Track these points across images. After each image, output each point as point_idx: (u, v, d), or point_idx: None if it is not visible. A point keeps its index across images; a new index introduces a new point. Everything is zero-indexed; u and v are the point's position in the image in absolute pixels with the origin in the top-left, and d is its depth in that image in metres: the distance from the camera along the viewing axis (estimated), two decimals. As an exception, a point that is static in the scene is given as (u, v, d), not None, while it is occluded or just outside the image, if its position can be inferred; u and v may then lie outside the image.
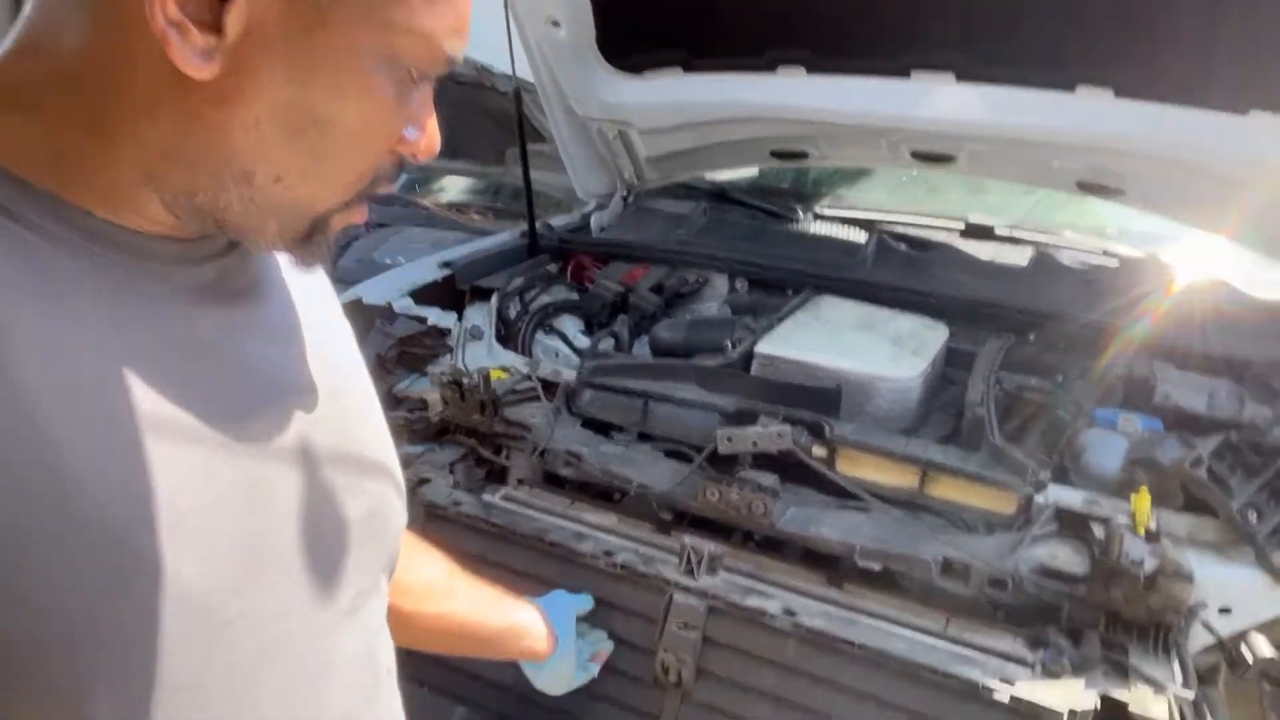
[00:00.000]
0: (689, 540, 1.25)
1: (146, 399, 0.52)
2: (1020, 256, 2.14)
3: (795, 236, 2.38)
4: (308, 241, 0.58)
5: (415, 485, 1.48)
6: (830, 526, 1.31)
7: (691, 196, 2.67)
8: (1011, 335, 1.81)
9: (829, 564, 1.40)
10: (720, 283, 2.25)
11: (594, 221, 2.58)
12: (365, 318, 1.95)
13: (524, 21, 2.18)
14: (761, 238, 2.34)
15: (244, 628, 0.56)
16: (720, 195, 2.59)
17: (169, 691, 0.53)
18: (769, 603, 1.19)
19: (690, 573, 1.23)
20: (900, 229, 2.27)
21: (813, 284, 2.03)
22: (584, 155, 2.59)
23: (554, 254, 2.37)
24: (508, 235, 2.46)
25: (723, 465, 1.41)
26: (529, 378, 1.64)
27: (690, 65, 2.21)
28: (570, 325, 2.19)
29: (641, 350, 1.98)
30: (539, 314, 2.16)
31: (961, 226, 2.26)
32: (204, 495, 0.54)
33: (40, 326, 0.49)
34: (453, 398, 1.58)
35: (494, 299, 2.07)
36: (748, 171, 2.86)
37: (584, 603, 1.23)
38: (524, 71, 2.28)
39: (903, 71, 1.97)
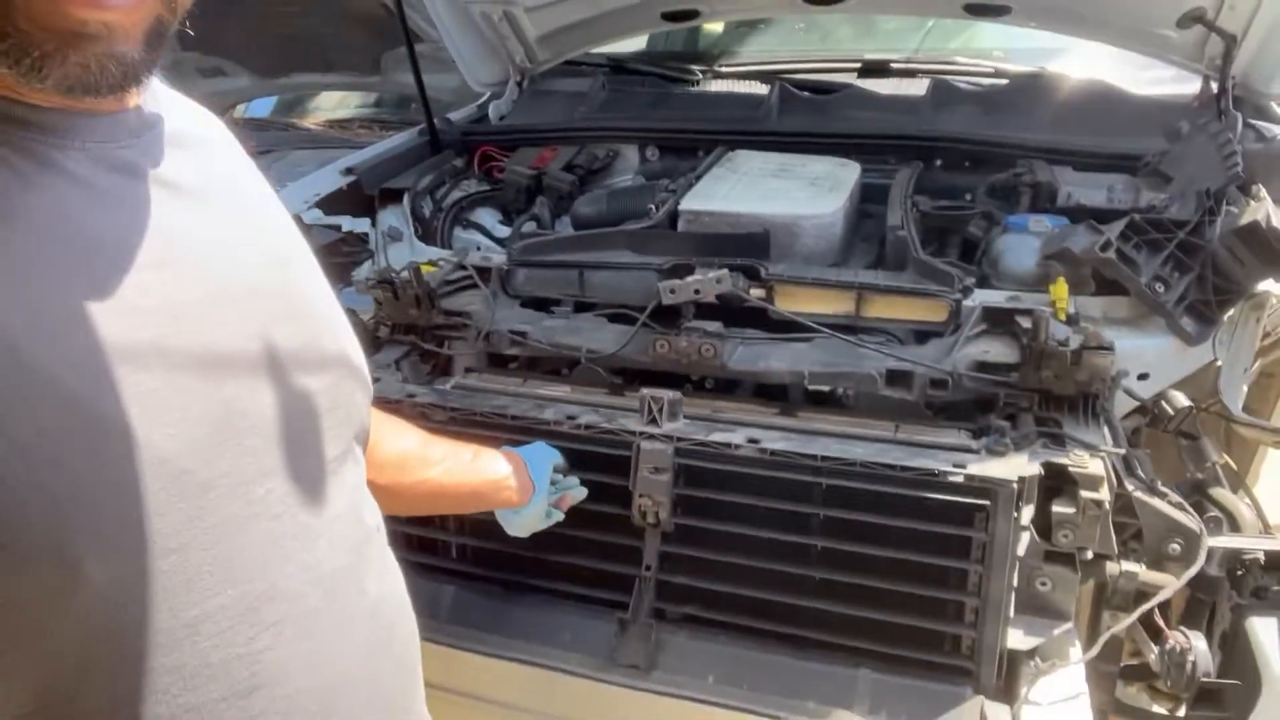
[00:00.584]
0: (647, 391, 1.28)
1: (85, 275, 0.53)
2: (917, 88, 2.18)
3: (697, 98, 2.37)
4: (11, 49, 0.49)
5: (365, 387, 1.48)
6: (778, 359, 1.36)
7: (586, 74, 2.62)
8: (919, 162, 1.86)
9: (779, 396, 1.47)
10: (631, 154, 2.23)
11: (492, 111, 2.52)
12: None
13: (388, -98, 2.06)
14: (665, 104, 2.33)
15: (224, 490, 0.58)
16: (616, 68, 2.55)
17: (158, 552, 0.54)
18: (732, 435, 1.25)
19: (654, 421, 1.27)
20: (799, 77, 2.28)
21: (723, 141, 2.04)
22: (470, 44, 2.50)
23: (458, 149, 2.32)
24: (406, 136, 2.39)
25: (667, 321, 1.45)
26: (461, 266, 1.62)
27: (569, -70, 2.14)
28: (487, 217, 2.16)
29: (564, 229, 1.98)
30: (454, 208, 2.13)
31: (858, 66, 2.28)
32: (167, 367, 0.55)
33: None
34: (386, 297, 1.56)
35: (406, 199, 2.03)
36: (637, 43, 2.82)
37: (557, 456, 1.26)
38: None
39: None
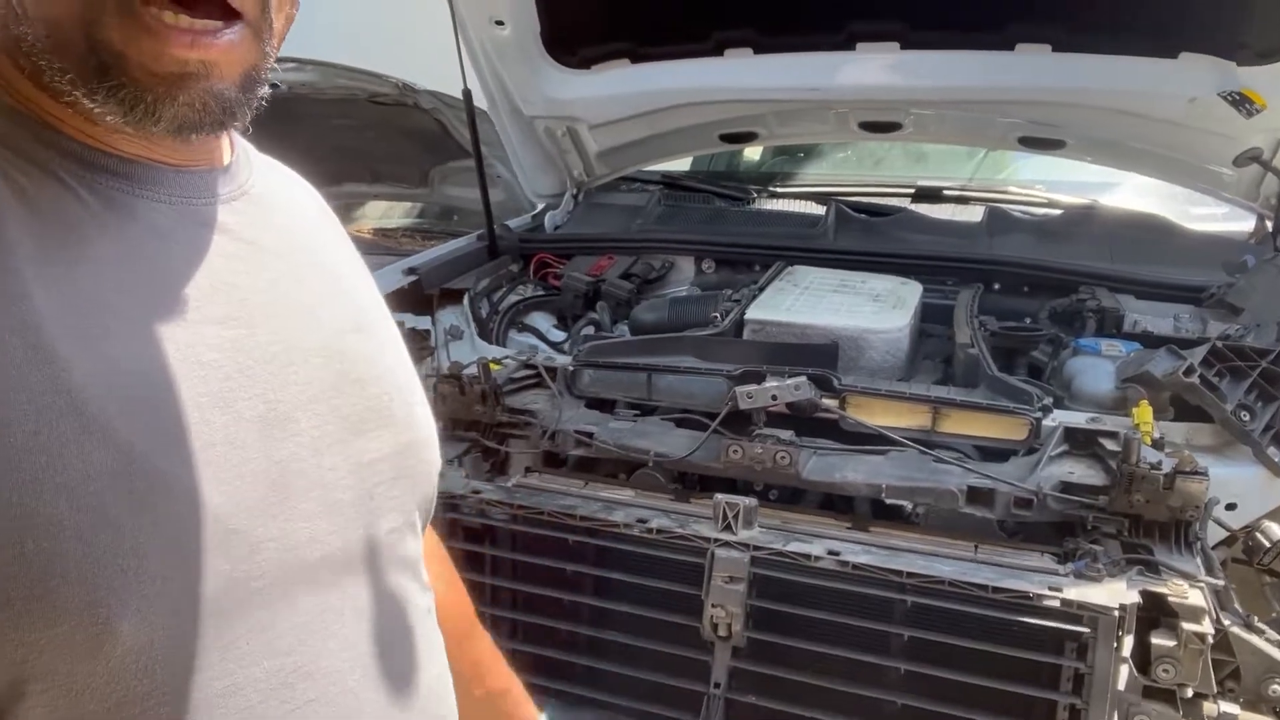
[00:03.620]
0: (722, 497, 1.25)
1: (154, 326, 0.52)
2: (971, 214, 2.23)
3: (752, 215, 2.42)
4: (107, 79, 0.50)
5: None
6: (853, 471, 1.33)
7: (638, 189, 2.70)
8: (980, 284, 1.88)
9: (843, 509, 1.43)
10: (686, 266, 2.27)
11: (547, 220, 2.58)
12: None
13: (467, 23, 2.18)
14: (720, 220, 2.38)
15: (272, 554, 0.55)
16: (671, 184, 2.63)
17: (195, 614, 0.51)
18: (811, 546, 1.21)
19: (728, 528, 1.24)
20: (853, 199, 2.33)
21: (781, 257, 2.07)
22: (532, 156, 2.59)
23: (514, 255, 2.36)
24: (465, 240, 2.44)
25: (736, 427, 1.43)
26: (528, 365, 1.62)
27: (638, 56, 2.24)
28: (542, 320, 2.18)
29: (622, 334, 1.98)
30: (510, 311, 2.15)
31: (912, 191, 2.34)
32: (228, 424, 0.54)
33: (44, 252, 0.49)
34: (452, 393, 1.56)
35: (466, 299, 2.06)
36: (682, 161, 2.91)
37: None
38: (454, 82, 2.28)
39: (848, 45, 2.04)
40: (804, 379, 1.35)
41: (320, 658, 0.59)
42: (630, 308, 2.10)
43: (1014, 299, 1.92)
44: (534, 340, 2.13)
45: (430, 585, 0.78)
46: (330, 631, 0.59)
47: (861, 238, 2.14)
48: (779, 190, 2.48)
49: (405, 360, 0.72)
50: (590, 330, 2.00)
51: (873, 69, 2.04)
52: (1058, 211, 2.19)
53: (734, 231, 2.25)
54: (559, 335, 2.12)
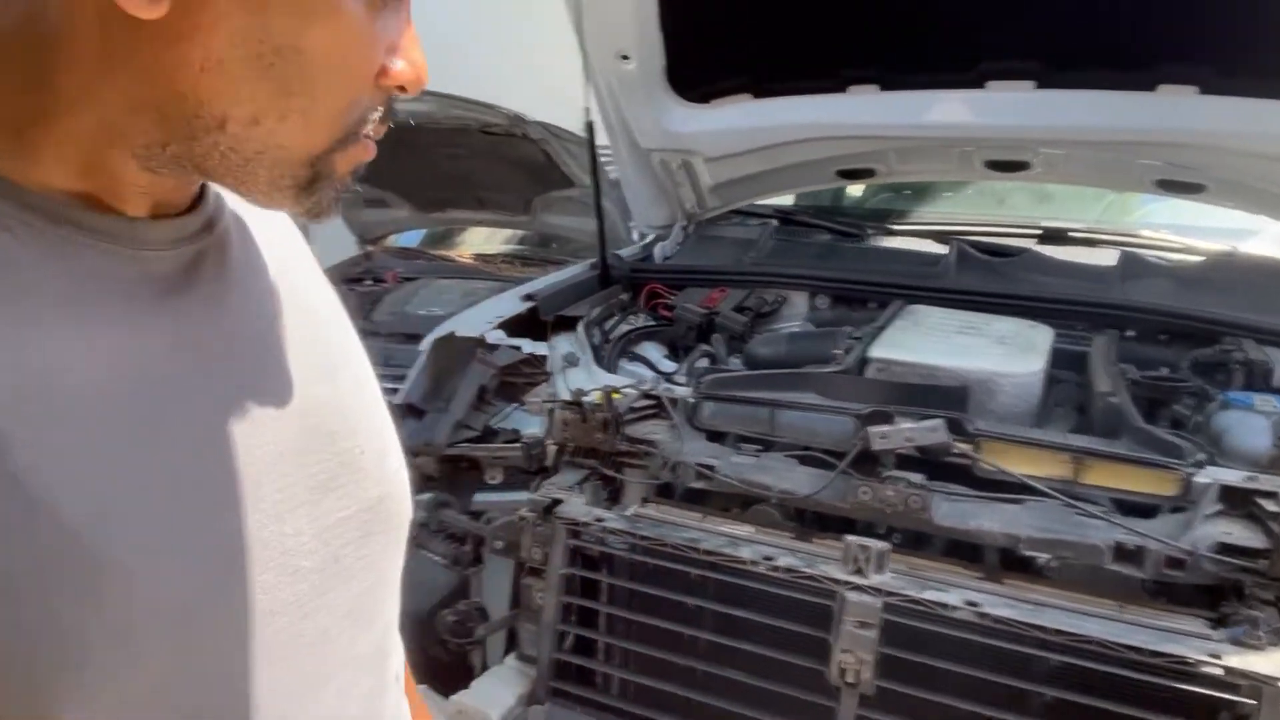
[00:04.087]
0: (853, 540, 1.23)
1: (115, 396, 0.49)
2: (1100, 257, 2.15)
3: (868, 252, 2.39)
4: (310, 190, 0.53)
5: (548, 506, 1.47)
6: (989, 519, 1.29)
7: (747, 221, 2.70)
8: (1116, 331, 1.81)
9: (973, 558, 1.38)
10: (799, 301, 2.25)
11: (657, 251, 2.59)
12: (459, 351, 1.96)
13: (593, 57, 2.22)
14: (834, 255, 2.36)
15: (229, 632, 0.52)
16: (784, 218, 2.61)
17: (144, 702, 0.49)
18: (947, 595, 1.17)
19: (859, 571, 1.21)
20: (974, 239, 2.28)
21: (899, 295, 2.03)
22: (645, 188, 2.61)
23: (625, 284, 2.38)
24: (578, 268, 2.47)
25: (862, 468, 1.40)
26: (648, 395, 1.63)
27: (760, 91, 2.24)
28: (652, 350, 2.19)
29: (735, 368, 1.97)
30: (621, 340, 2.16)
31: (1038, 232, 2.27)
32: (184, 497, 0.50)
33: None
34: (574, 419, 1.57)
35: (581, 327, 2.08)
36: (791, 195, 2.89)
37: None
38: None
39: (978, 83, 2.00)
40: (940, 422, 1.31)
41: None
42: (744, 341, 2.09)
43: (1150, 347, 1.84)
44: (644, 370, 2.14)
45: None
46: (294, 698, 0.57)
47: (984, 278, 2.09)
48: (895, 227, 2.44)
49: (378, 403, 0.68)
50: (705, 362, 1.99)
51: (1004, 107, 1.99)
52: (1196, 258, 2.09)
53: (849, 268, 2.22)
54: (670, 366, 2.12)
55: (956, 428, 1.38)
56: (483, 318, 2.06)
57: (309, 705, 0.58)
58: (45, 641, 0.45)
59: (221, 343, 0.56)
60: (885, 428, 1.32)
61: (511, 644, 1.72)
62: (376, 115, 0.54)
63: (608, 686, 1.40)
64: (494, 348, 1.88)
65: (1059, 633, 1.09)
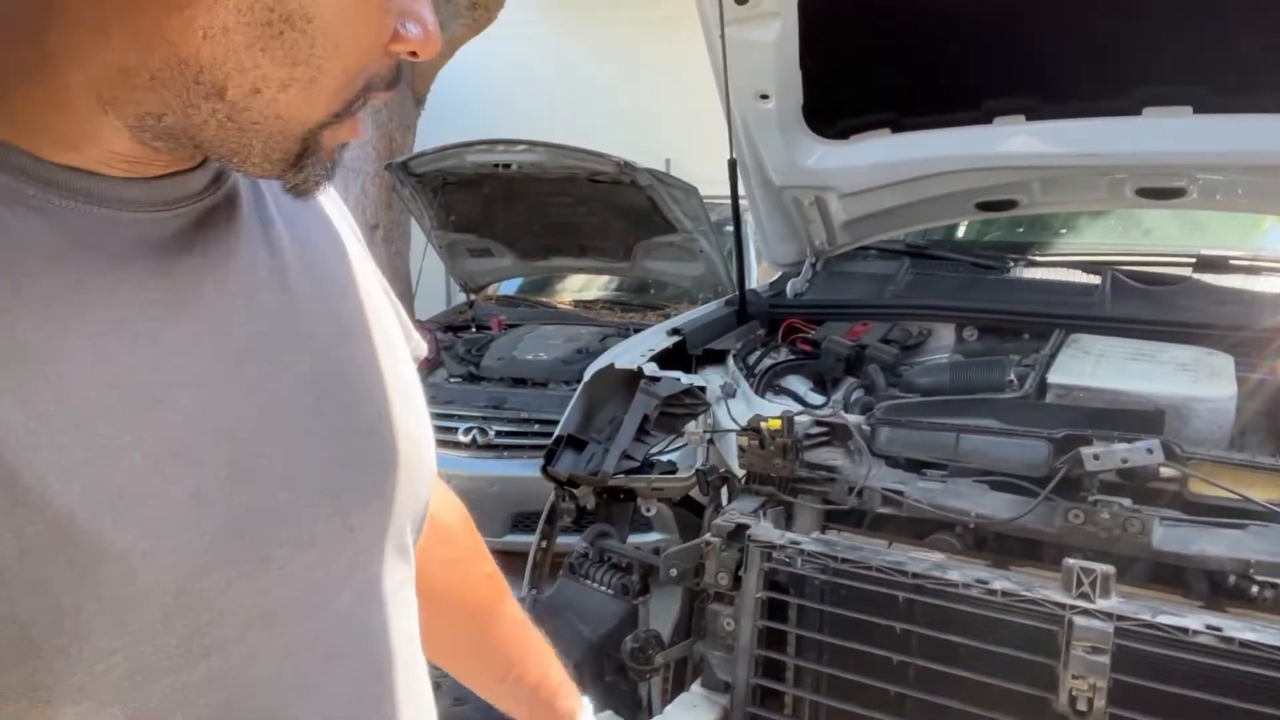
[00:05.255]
0: (1075, 563, 1.20)
1: (109, 370, 0.46)
2: (1263, 286, 2.09)
3: (1011, 284, 2.36)
4: (299, 164, 0.51)
5: (734, 530, 1.47)
6: (1211, 544, 1.25)
7: (880, 257, 2.70)
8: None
9: (1178, 585, 1.33)
10: (945, 333, 2.23)
11: (789, 288, 2.61)
12: (616, 383, 1.99)
13: (733, 96, 2.27)
14: (977, 288, 2.34)
15: (234, 609, 0.50)
16: (916, 253, 2.61)
17: (144, 684, 0.47)
18: (1185, 619, 1.13)
19: (1084, 595, 1.18)
20: (1127, 268, 2.24)
21: (1056, 325, 2.00)
22: (777, 225, 2.63)
23: (763, 319, 2.39)
24: (716, 305, 2.50)
25: (1064, 493, 1.37)
26: (822, 423, 1.62)
27: (900, 126, 2.26)
28: (798, 384, 2.19)
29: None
30: (767, 374, 2.17)
31: (1193, 260, 2.22)
32: (183, 472, 0.48)
33: None
34: (752, 446, 1.58)
35: (731, 359, 2.09)
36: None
37: None
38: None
39: (1134, 110, 1.98)
40: (1157, 442, 1.28)
41: (288, 707, 0.54)
42: (894, 372, 2.08)
43: (1334, 374, 1.77)
44: (791, 404, 2.13)
45: (445, 566, 0.77)
46: (302, 674, 0.55)
47: (1144, 307, 2.04)
48: (1039, 259, 2.41)
49: (399, 372, 0.65)
50: (860, 393, 1.98)
51: (1161, 133, 1.97)
52: (1371, 284, 2.02)
53: (997, 299, 2.20)
54: (817, 398, 2.12)
55: (1166, 451, 1.34)
56: (635, 351, 2.09)
57: (321, 678, 0.56)
58: (42, 628, 0.43)
59: (227, 304, 0.53)
60: (1099, 448, 1.29)
61: (678, 671, 1.72)
62: (381, 84, 0.51)
63: (803, 712, 1.38)
64: (656, 379, 1.90)
65: (1320, 658, 1.04)
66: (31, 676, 0.44)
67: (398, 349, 0.66)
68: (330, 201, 0.67)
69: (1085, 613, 1.16)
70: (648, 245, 4.88)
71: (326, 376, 0.58)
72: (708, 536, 1.50)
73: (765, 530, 1.42)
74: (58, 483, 0.43)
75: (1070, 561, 1.21)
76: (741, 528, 1.47)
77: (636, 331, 4.35)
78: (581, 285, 5.64)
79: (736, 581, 1.44)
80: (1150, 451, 1.27)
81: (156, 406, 0.47)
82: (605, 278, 5.52)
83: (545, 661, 0.89)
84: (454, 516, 0.84)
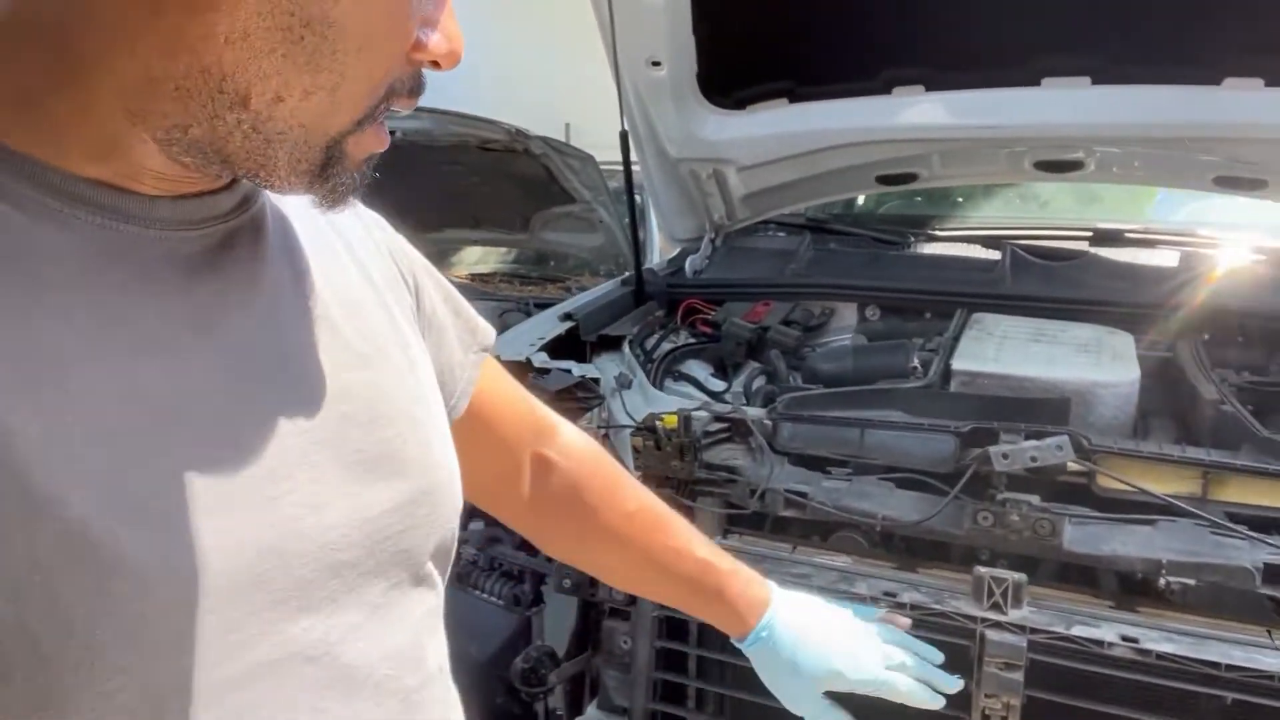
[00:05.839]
0: (986, 571, 1.13)
1: (130, 383, 0.46)
2: (1158, 259, 2.08)
3: (914, 260, 2.31)
4: (324, 175, 0.51)
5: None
6: (1123, 543, 1.19)
7: (779, 233, 2.61)
8: (1202, 334, 1.73)
9: (1086, 582, 1.29)
10: (848, 313, 2.16)
11: (688, 265, 2.50)
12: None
13: (622, 63, 2.12)
14: (880, 264, 2.27)
15: (255, 630, 0.49)
16: (816, 227, 2.53)
17: (162, 707, 0.46)
18: (1100, 630, 1.07)
19: (996, 606, 1.11)
20: (1024, 243, 2.20)
21: (958, 303, 1.95)
22: (673, 199, 2.51)
23: (661, 300, 2.28)
24: (611, 285, 2.37)
25: (972, 491, 1.30)
26: (722, 418, 1.52)
27: (797, 96, 2.16)
28: (698, 369, 2.09)
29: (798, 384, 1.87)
30: (665, 359, 2.06)
31: (1089, 234, 2.20)
32: (201, 490, 0.47)
33: (3, 310, 0.43)
34: (648, 447, 1.46)
35: (626, 345, 1.97)
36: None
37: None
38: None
39: (1033, 80, 1.92)
40: (1065, 439, 1.22)
41: None
42: (797, 356, 1.99)
43: (1228, 350, 1.76)
44: (693, 390, 2.03)
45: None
46: (319, 708, 0.53)
47: (1043, 283, 2.00)
48: (939, 234, 2.36)
49: (424, 388, 0.65)
50: (762, 380, 1.89)
51: (1059, 104, 1.91)
52: (1260, 256, 2.03)
53: (898, 276, 2.14)
54: (718, 384, 2.02)
55: (1074, 444, 1.28)
56: (523, 340, 1.94)
57: (342, 710, 0.54)
58: (54, 640, 0.42)
59: (250, 326, 0.53)
60: (1006, 447, 1.22)
61: (575, 688, 1.61)
62: (404, 91, 0.51)
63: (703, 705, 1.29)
64: (545, 371, 1.76)
65: (1234, 669, 1.00)
66: (42, 691, 0.43)
67: (422, 375, 0.66)
68: (365, 226, 0.68)
69: (997, 626, 1.09)
70: (545, 216, 4.71)
71: (349, 402, 0.57)
72: (601, 549, 1.38)
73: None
74: (73, 492, 0.43)
75: (981, 570, 1.14)
76: (636, 539, 1.35)
77: (537, 305, 4.19)
78: (478, 258, 5.43)
79: (633, 598, 1.33)
80: (1060, 449, 1.21)
81: (177, 423, 0.47)
82: (502, 250, 5.32)
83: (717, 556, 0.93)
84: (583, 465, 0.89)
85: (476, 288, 4.89)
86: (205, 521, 0.47)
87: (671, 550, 0.91)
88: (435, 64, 0.51)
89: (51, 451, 0.43)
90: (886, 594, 1.16)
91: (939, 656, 0.95)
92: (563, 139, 6.02)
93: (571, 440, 0.91)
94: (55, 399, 0.43)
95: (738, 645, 0.94)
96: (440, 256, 5.31)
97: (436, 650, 0.64)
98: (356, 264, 0.65)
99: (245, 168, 0.49)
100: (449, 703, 0.65)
